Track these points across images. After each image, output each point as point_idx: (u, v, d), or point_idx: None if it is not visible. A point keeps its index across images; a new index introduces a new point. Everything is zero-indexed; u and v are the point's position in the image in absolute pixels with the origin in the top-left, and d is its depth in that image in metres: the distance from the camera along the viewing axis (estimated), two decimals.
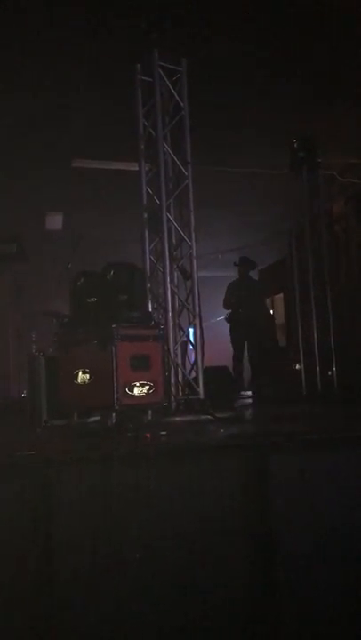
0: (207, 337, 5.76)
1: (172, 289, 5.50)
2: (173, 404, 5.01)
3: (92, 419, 4.79)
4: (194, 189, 5.70)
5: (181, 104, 5.67)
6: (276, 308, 8.99)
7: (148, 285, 5.58)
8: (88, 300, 5.00)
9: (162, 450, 3.16)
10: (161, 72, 5.57)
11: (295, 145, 7.09)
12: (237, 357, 7.96)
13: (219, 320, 9.25)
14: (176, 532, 3.06)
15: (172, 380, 5.13)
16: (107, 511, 2.99)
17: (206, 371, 5.57)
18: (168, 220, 5.58)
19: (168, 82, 5.62)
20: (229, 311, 8.24)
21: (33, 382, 5.12)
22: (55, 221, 10.01)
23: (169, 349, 5.07)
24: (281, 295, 8.69)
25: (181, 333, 5.63)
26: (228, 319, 8.21)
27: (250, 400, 7.10)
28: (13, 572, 2.85)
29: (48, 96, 6.63)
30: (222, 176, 8.32)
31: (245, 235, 10.98)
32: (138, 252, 5.90)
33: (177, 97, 5.67)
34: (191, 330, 5.74)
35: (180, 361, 5.50)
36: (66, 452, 3.17)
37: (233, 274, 10.20)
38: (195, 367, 5.48)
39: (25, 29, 5.56)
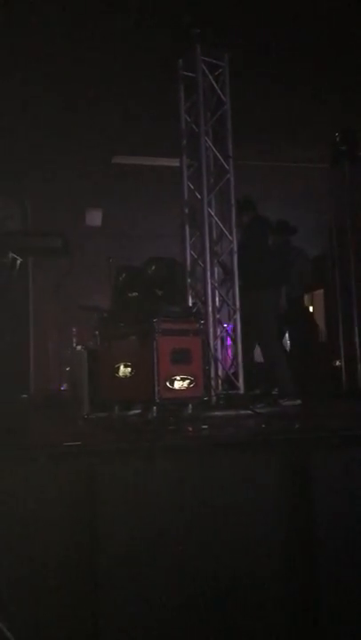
0: None
1: (212, 284, 5.50)
2: (213, 399, 5.01)
3: (132, 412, 4.84)
4: (235, 182, 5.68)
5: (224, 99, 5.66)
6: (316, 304, 8.91)
7: (189, 280, 5.59)
8: (129, 295, 5.06)
9: (204, 443, 3.17)
10: (203, 67, 5.56)
11: (337, 138, 6.99)
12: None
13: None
14: (217, 526, 3.07)
15: (212, 375, 5.13)
16: (149, 502, 3.02)
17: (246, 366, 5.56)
18: (209, 214, 5.58)
19: (210, 77, 5.62)
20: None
21: (75, 375, 5.20)
22: (95, 217, 10.12)
23: (209, 344, 5.08)
24: (321, 291, 8.59)
25: (221, 328, 5.62)
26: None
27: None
28: (56, 560, 2.91)
29: (90, 92, 6.71)
30: (263, 170, 8.29)
31: None
32: (178, 247, 5.93)
33: (219, 91, 5.66)
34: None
35: (219, 355, 5.50)
36: (109, 442, 3.22)
37: None
38: (235, 362, 5.48)
39: (66, 26, 5.63)
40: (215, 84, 5.64)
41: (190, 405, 4.58)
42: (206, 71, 5.59)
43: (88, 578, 2.94)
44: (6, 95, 6.52)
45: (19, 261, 4.27)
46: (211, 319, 5.34)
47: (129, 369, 4.70)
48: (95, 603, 2.93)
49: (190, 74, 5.67)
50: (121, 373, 4.76)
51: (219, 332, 5.56)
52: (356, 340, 6.92)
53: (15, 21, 5.48)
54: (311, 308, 9.03)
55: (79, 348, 5.27)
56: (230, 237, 5.60)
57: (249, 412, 4.62)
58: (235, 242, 5.59)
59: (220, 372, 5.36)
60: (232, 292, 5.55)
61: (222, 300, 5.62)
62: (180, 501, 3.06)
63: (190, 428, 3.83)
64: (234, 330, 5.51)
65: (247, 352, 5.60)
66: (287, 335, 7.53)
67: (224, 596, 3.06)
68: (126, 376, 4.71)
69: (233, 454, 3.18)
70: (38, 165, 8.04)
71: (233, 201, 5.66)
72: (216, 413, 4.72)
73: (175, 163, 6.04)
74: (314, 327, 8.26)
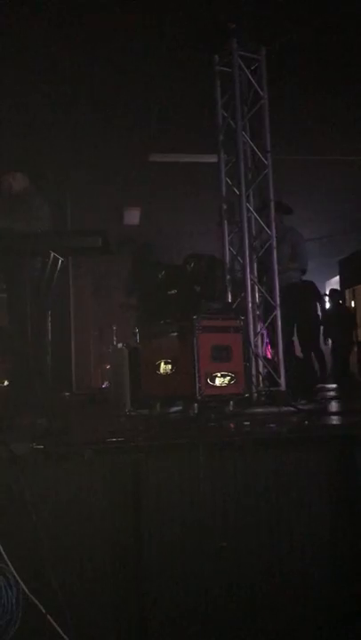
0: None
1: (251, 279, 5.47)
2: (255, 396, 4.99)
3: (174, 409, 4.86)
4: (273, 177, 5.63)
5: (261, 93, 5.61)
6: (357, 298, 8.77)
7: (228, 277, 5.58)
8: (169, 293, 5.07)
9: (247, 440, 3.16)
10: (240, 61, 5.53)
11: None
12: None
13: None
14: (261, 523, 3.07)
15: (253, 371, 5.10)
16: (192, 496, 3.03)
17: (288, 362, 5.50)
18: (247, 210, 5.54)
19: (247, 71, 5.58)
20: None
21: (116, 373, 5.25)
22: (133, 216, 10.19)
23: (249, 340, 5.05)
24: None
25: (261, 325, 5.58)
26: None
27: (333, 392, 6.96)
28: (103, 554, 2.95)
29: (126, 91, 6.74)
30: (301, 164, 8.19)
31: (325, 224, 10.76)
32: (216, 243, 5.91)
33: (256, 86, 5.61)
34: None
35: (260, 352, 5.46)
36: (152, 439, 3.24)
37: (310, 265, 10.03)
38: (275, 358, 5.43)
39: (104, 26, 5.67)
40: (252, 79, 5.60)
41: (231, 402, 4.57)
42: (243, 65, 5.56)
43: (134, 570, 2.97)
44: (45, 96, 6.62)
45: (60, 261, 4.34)
46: (251, 315, 5.31)
47: (170, 366, 4.72)
48: (141, 595, 2.97)
49: (227, 69, 5.65)
50: (162, 370, 4.78)
51: (259, 329, 5.52)
52: None
53: (54, 21, 5.55)
54: (353, 303, 8.90)
55: (120, 345, 5.32)
56: (270, 232, 5.56)
57: (291, 408, 4.58)
58: (274, 237, 5.55)
59: (260, 369, 5.33)
60: (273, 289, 5.50)
61: (262, 296, 5.58)
62: (222, 497, 3.07)
63: (232, 425, 3.83)
64: (274, 326, 5.47)
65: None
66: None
67: (267, 586, 3.06)
68: (167, 373, 4.73)
69: (275, 451, 3.16)
70: (77, 165, 8.13)
71: (271, 195, 5.61)
72: (258, 410, 4.69)
73: (213, 159, 6.03)
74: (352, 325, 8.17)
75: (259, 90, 5.60)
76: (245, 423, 3.85)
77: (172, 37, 5.81)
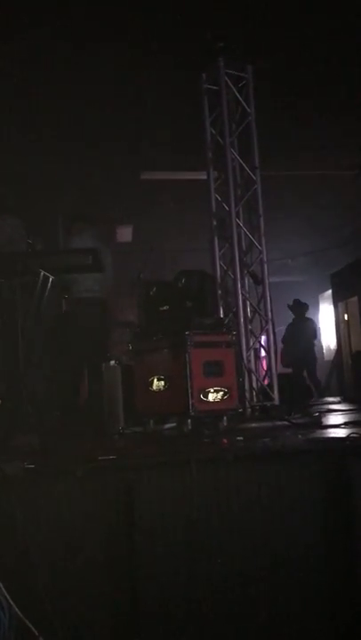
0: (279, 342, 5.69)
1: (243, 295, 5.49)
2: (248, 410, 4.98)
3: (167, 425, 4.83)
4: (263, 193, 5.68)
5: (248, 110, 5.68)
6: (350, 312, 8.80)
7: (219, 292, 5.59)
8: (161, 309, 5.07)
9: (240, 455, 3.14)
10: (227, 79, 5.60)
11: None
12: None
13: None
14: (255, 538, 3.04)
15: (246, 387, 5.10)
16: (187, 515, 3.01)
17: (280, 377, 5.50)
18: (237, 225, 5.58)
19: (234, 89, 5.65)
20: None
21: (109, 390, 5.22)
22: (125, 233, 10.23)
23: (242, 355, 5.05)
24: (355, 298, 8.49)
25: (254, 339, 5.59)
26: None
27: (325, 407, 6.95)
28: (96, 572, 2.92)
29: (115, 110, 6.81)
30: (291, 180, 8.27)
31: (316, 238, 10.82)
32: (208, 259, 5.94)
33: (243, 103, 5.68)
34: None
35: (253, 367, 5.46)
36: (145, 456, 3.22)
37: (304, 279, 10.15)
38: (268, 373, 5.43)
39: (92, 46, 5.74)
40: (239, 96, 5.67)
41: (225, 417, 4.54)
42: (230, 83, 5.63)
43: (128, 590, 2.94)
44: (35, 116, 6.67)
45: (50, 279, 4.34)
46: (243, 330, 5.32)
47: (162, 382, 4.70)
48: (136, 615, 2.93)
49: (214, 87, 5.71)
50: (155, 387, 4.76)
51: (251, 343, 5.53)
52: None
53: (46, 44, 5.62)
54: (346, 316, 8.93)
55: (112, 362, 5.29)
56: (260, 247, 5.59)
57: (285, 422, 4.57)
58: (264, 252, 5.58)
59: (254, 384, 5.32)
60: (263, 303, 5.52)
61: (254, 311, 5.59)
62: (216, 513, 3.04)
63: (225, 440, 3.80)
64: (267, 340, 5.48)
65: None
66: None
67: (263, 604, 3.03)
68: (160, 389, 4.71)
69: (268, 465, 3.14)
70: (68, 185, 8.18)
71: (261, 211, 5.65)
72: (252, 425, 4.68)
73: (202, 176, 6.08)
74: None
75: (246, 107, 5.67)
76: (238, 438, 3.83)
77: (159, 56, 5.89)
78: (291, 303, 9.47)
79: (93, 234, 5.43)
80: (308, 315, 9.90)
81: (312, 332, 9.66)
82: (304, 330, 9.39)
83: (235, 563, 3.02)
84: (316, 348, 9.88)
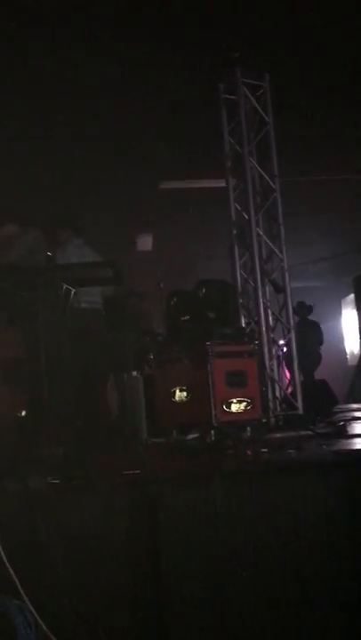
0: None
1: (264, 303, 5.46)
2: (272, 420, 4.94)
3: (190, 436, 4.81)
4: (282, 200, 5.66)
5: (266, 118, 5.67)
6: None
7: (240, 301, 5.57)
8: (182, 319, 5.07)
9: (264, 468, 3.12)
10: (244, 89, 5.60)
11: None
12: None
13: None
14: (280, 552, 3.01)
15: (270, 396, 5.06)
16: (211, 529, 2.99)
17: (304, 385, 5.46)
18: (257, 234, 5.56)
19: (252, 97, 5.64)
20: None
21: (132, 401, 5.23)
22: (145, 242, 10.26)
23: (264, 364, 5.02)
24: None
25: (276, 348, 5.56)
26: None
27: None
28: (122, 591, 2.91)
29: (134, 121, 6.84)
30: (310, 185, 8.22)
31: (337, 243, 10.74)
32: (228, 267, 5.93)
33: (261, 112, 5.67)
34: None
35: (276, 376, 5.42)
36: (169, 469, 3.21)
37: (326, 284, 10.00)
38: (292, 382, 5.39)
39: (109, 56, 5.78)
40: (257, 105, 5.66)
41: (249, 428, 4.53)
42: (247, 93, 5.63)
43: (154, 605, 2.93)
44: (55, 125, 6.73)
45: (72, 292, 4.37)
46: (265, 339, 5.29)
47: (185, 393, 4.69)
48: (162, 629, 2.92)
49: (231, 96, 5.72)
50: (177, 398, 4.76)
51: (274, 352, 5.50)
52: None
53: (61, 50, 5.67)
54: None
55: (134, 373, 5.30)
56: (280, 255, 5.56)
57: (309, 432, 4.53)
58: (285, 260, 5.55)
59: (277, 393, 5.28)
60: (285, 311, 5.49)
61: (276, 319, 5.56)
62: (241, 527, 3.02)
63: (249, 452, 3.78)
64: (289, 348, 5.44)
65: None
66: None
67: (289, 616, 2.99)
68: (182, 400, 4.71)
69: (294, 478, 3.11)
70: (89, 194, 8.24)
71: (281, 219, 5.63)
72: (276, 435, 4.64)
73: (222, 183, 6.07)
74: None
75: (264, 115, 5.66)
76: (263, 450, 3.81)
77: (176, 66, 5.91)
78: (294, 305, 9.03)
79: (81, 243, 5.17)
80: (331, 319, 9.56)
81: (318, 337, 9.11)
82: (309, 334, 8.76)
83: (261, 577, 2.99)
84: (325, 354, 9.28)
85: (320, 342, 9.13)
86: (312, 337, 8.87)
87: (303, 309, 8.88)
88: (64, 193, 7.65)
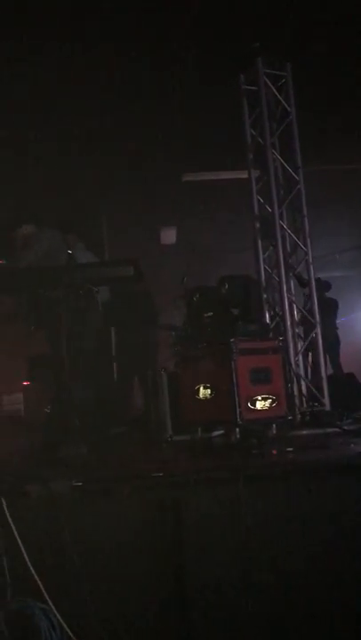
0: None
1: (289, 297, 5.38)
2: (298, 417, 4.87)
3: (215, 433, 4.79)
4: (306, 190, 5.55)
5: (288, 109, 5.56)
6: None
7: (264, 296, 5.50)
8: (205, 315, 5.02)
9: (289, 469, 3.07)
10: (266, 79, 5.49)
11: None
12: None
13: (339, 323, 8.92)
14: (307, 555, 2.97)
15: (296, 392, 4.99)
16: (236, 531, 2.96)
17: (331, 380, 5.37)
18: (281, 227, 5.47)
19: (273, 88, 5.53)
20: None
21: (156, 398, 5.22)
22: (169, 235, 10.21)
23: (290, 360, 4.95)
24: None
25: (302, 343, 5.47)
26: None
27: None
28: (145, 594, 2.90)
29: (156, 114, 6.79)
30: (335, 174, 8.06)
31: None
32: (252, 260, 5.85)
33: (283, 102, 5.56)
34: None
35: (302, 372, 5.34)
36: (193, 471, 3.18)
37: (352, 273, 9.71)
38: (318, 377, 5.31)
39: (130, 50, 5.73)
40: (279, 95, 5.55)
41: (274, 425, 4.47)
42: (269, 83, 5.52)
43: (177, 608, 2.91)
44: (79, 120, 6.71)
45: (95, 291, 4.36)
46: (290, 334, 5.22)
47: (209, 390, 4.65)
48: (185, 634, 2.90)
49: (253, 87, 5.61)
50: (201, 395, 4.72)
51: (300, 347, 5.41)
52: None
53: (87, 52, 5.64)
54: None
55: (159, 370, 5.28)
56: (305, 249, 5.46)
57: (336, 429, 4.45)
58: (310, 253, 5.45)
59: (303, 389, 5.21)
60: (310, 305, 5.40)
61: (301, 314, 5.48)
62: (266, 529, 2.98)
63: (275, 451, 3.73)
64: (314, 343, 5.35)
65: None
66: None
67: (319, 625, 2.95)
68: (207, 398, 4.67)
69: (320, 480, 3.06)
70: (112, 188, 8.22)
71: (305, 211, 5.52)
72: (302, 432, 4.58)
73: (244, 175, 5.98)
74: None
75: (286, 106, 5.55)
76: (289, 449, 3.76)
77: (197, 57, 5.83)
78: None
79: (83, 247, 5.17)
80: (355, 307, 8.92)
81: (333, 314, 8.32)
82: (326, 311, 7.72)
83: (287, 580, 2.95)
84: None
85: (335, 317, 8.43)
86: (330, 315, 8.01)
87: (320, 286, 7.83)
88: (85, 189, 7.64)
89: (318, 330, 5.31)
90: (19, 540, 2.59)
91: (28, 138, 6.50)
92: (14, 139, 6.45)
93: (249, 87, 5.68)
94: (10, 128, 6.24)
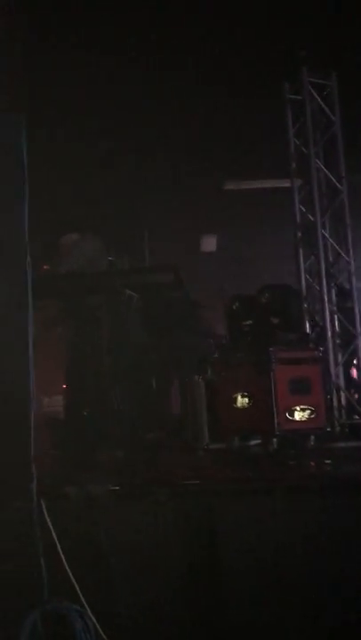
0: None
1: (330, 308, 5.32)
2: (337, 429, 4.81)
3: (252, 442, 4.76)
4: (350, 199, 5.49)
5: (333, 118, 5.51)
6: None
7: (305, 305, 5.45)
8: (244, 324, 5.02)
9: (327, 483, 3.03)
10: (310, 88, 5.46)
11: None
12: None
13: None
14: (344, 573, 2.92)
15: (335, 404, 4.93)
16: (271, 543, 2.94)
17: None
18: (323, 236, 5.42)
19: (318, 98, 5.50)
20: None
21: (194, 405, 5.22)
22: (210, 243, 10.22)
23: (330, 371, 4.89)
24: None
25: (342, 354, 5.39)
26: None
27: None
28: (179, 600, 2.90)
29: (199, 123, 6.83)
30: None
31: None
32: (293, 270, 5.81)
33: (328, 111, 5.52)
34: None
35: (342, 383, 5.27)
36: (230, 480, 3.18)
37: None
38: (358, 389, 5.23)
39: (173, 56, 5.78)
40: (323, 105, 5.51)
41: (312, 437, 4.42)
42: (314, 93, 5.49)
43: (210, 615, 2.90)
44: (123, 130, 6.81)
45: (135, 297, 4.42)
46: (330, 345, 5.15)
47: (247, 399, 4.64)
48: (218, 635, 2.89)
49: (297, 96, 5.59)
50: (239, 404, 4.71)
51: (340, 358, 5.34)
52: None
53: (126, 66, 5.73)
54: None
55: (197, 377, 5.29)
56: (347, 258, 5.40)
57: None
58: (352, 263, 5.38)
59: (343, 400, 5.14)
60: (352, 316, 5.32)
61: (342, 325, 5.40)
62: (302, 543, 2.95)
63: (313, 464, 3.70)
64: (355, 355, 5.27)
65: None
66: None
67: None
68: (244, 407, 4.66)
69: (358, 494, 3.01)
70: (153, 196, 8.30)
71: (348, 220, 5.46)
72: (340, 445, 4.52)
73: (287, 183, 5.96)
74: None
75: (331, 115, 5.50)
76: (327, 462, 3.71)
77: (242, 67, 5.85)
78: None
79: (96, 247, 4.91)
80: None
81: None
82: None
83: (325, 596, 2.91)
84: None
85: None
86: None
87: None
88: (127, 197, 7.73)
89: (359, 341, 5.23)
90: (57, 540, 2.63)
91: (77, 151, 6.63)
92: (63, 152, 6.59)
93: (293, 96, 5.66)
94: (59, 143, 6.38)
